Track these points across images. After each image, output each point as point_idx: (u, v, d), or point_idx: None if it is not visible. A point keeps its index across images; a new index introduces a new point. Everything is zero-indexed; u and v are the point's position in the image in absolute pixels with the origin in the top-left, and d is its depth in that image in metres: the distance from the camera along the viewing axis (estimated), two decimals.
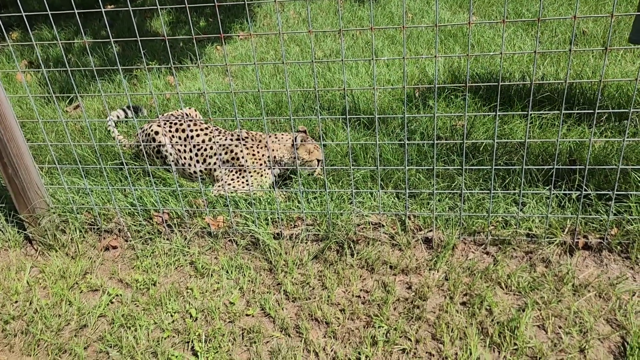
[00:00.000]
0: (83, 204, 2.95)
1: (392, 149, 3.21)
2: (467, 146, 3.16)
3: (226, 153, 3.10)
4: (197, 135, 3.13)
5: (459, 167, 2.69)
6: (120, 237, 2.89)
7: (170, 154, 3.15)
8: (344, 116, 3.48)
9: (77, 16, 2.29)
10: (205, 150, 3.11)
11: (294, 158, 3.08)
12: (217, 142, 3.11)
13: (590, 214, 2.57)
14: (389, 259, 2.55)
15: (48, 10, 2.33)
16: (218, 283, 2.54)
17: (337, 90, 3.70)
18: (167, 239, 2.81)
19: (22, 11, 2.35)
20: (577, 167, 2.63)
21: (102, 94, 2.49)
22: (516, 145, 3.16)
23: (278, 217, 2.77)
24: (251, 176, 3.05)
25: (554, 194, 2.62)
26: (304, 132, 3.20)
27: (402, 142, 3.12)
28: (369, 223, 2.69)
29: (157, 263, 2.68)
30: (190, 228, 2.81)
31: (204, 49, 5.85)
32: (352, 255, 2.59)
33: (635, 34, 3.06)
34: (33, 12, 2.39)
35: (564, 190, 2.70)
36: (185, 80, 4.90)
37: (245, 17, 6.62)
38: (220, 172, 3.05)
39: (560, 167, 2.56)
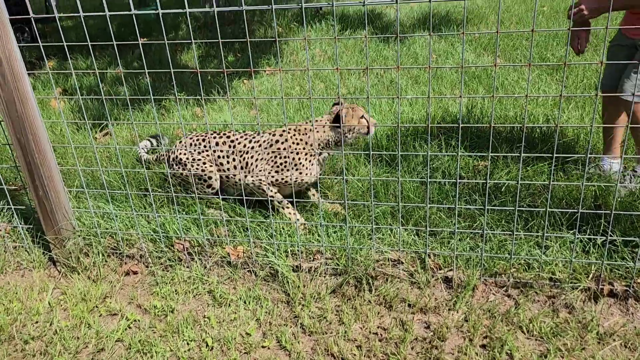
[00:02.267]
0: (107, 229, 3.00)
1: (413, 187, 3.22)
2: (490, 187, 3.15)
3: (271, 145, 3.11)
4: (239, 143, 3.16)
5: (481, 207, 2.68)
6: (141, 262, 2.92)
7: (216, 174, 3.20)
8: (367, 152, 3.52)
9: (115, 47, 2.40)
10: (247, 152, 3.13)
11: (342, 133, 2.97)
12: (258, 140, 3.12)
13: (615, 261, 2.51)
14: (407, 296, 2.52)
15: (88, 40, 2.45)
16: (235, 313, 2.53)
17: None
18: (187, 267, 2.83)
19: (63, 41, 2.47)
20: (603, 212, 2.59)
21: (132, 122, 2.57)
22: (540, 187, 3.14)
23: (298, 250, 2.78)
24: (294, 166, 3.02)
25: (578, 238, 2.58)
26: (339, 103, 3.08)
27: (424, 179, 3.13)
28: (388, 259, 2.68)
29: (176, 290, 2.70)
30: (210, 257, 2.83)
31: (231, 83, 6.01)
32: (371, 291, 2.57)
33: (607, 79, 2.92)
34: (72, 43, 2.51)
35: (589, 235, 2.66)
36: (212, 112, 5.02)
37: (273, 52, 6.81)
38: (261, 163, 3.07)
39: (585, 211, 2.53)
